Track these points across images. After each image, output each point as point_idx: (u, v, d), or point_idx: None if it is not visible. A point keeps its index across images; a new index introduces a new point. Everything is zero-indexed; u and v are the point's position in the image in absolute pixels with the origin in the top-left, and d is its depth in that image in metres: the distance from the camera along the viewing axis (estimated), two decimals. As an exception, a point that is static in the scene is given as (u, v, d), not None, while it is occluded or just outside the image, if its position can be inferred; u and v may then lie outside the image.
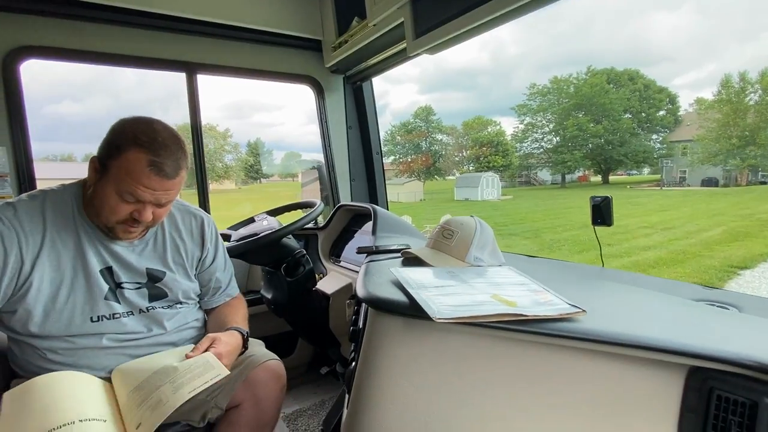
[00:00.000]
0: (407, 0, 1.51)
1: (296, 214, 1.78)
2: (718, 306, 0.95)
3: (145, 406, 0.82)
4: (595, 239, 1.44)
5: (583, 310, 0.69)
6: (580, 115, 32.70)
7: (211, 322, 1.17)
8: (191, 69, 1.95)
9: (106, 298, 0.98)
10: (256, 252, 1.43)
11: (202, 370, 0.87)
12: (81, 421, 0.76)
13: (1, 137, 1.58)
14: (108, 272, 0.99)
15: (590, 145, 32.26)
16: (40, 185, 1.69)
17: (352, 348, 0.94)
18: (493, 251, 1.04)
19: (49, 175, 1.80)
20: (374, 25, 1.68)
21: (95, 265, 0.97)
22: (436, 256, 0.97)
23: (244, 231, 1.53)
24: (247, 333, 1.09)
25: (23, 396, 0.82)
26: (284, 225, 1.47)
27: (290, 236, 1.52)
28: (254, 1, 1.95)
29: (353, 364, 0.87)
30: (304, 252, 1.54)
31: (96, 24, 1.69)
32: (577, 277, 1.19)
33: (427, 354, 0.72)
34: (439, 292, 0.76)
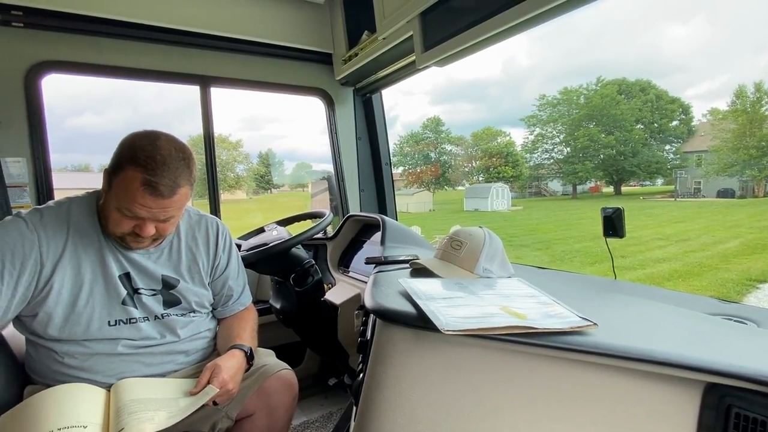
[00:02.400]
0: (416, 14, 1.53)
1: (306, 224, 1.79)
2: (735, 320, 0.93)
3: (135, 416, 0.83)
4: (608, 251, 1.42)
5: (595, 324, 0.68)
6: (591, 126, 32.49)
7: (219, 334, 1.18)
8: (205, 82, 2.00)
9: (123, 303, 0.99)
10: (265, 262, 1.44)
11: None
12: (59, 429, 0.77)
13: (21, 149, 1.63)
14: (126, 278, 1.01)
15: (602, 156, 31.97)
16: (58, 195, 1.74)
17: (360, 359, 0.94)
18: (502, 262, 1.04)
19: (66, 185, 1.85)
20: (384, 38, 1.71)
21: (114, 271, 0.99)
22: (444, 267, 0.97)
23: (254, 241, 1.55)
24: (250, 348, 1.08)
25: (16, 413, 0.84)
26: (294, 235, 1.48)
27: (299, 246, 1.53)
28: (267, 16, 1.99)
29: (361, 375, 0.86)
30: (313, 262, 1.54)
31: (114, 39, 1.75)
32: (588, 289, 1.17)
33: (436, 366, 0.72)
34: (448, 303, 0.75)
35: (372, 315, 0.94)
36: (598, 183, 35.42)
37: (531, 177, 37.40)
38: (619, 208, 1.29)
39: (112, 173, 0.92)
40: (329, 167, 2.45)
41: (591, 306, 0.89)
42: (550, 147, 35.39)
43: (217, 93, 2.06)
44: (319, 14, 2.12)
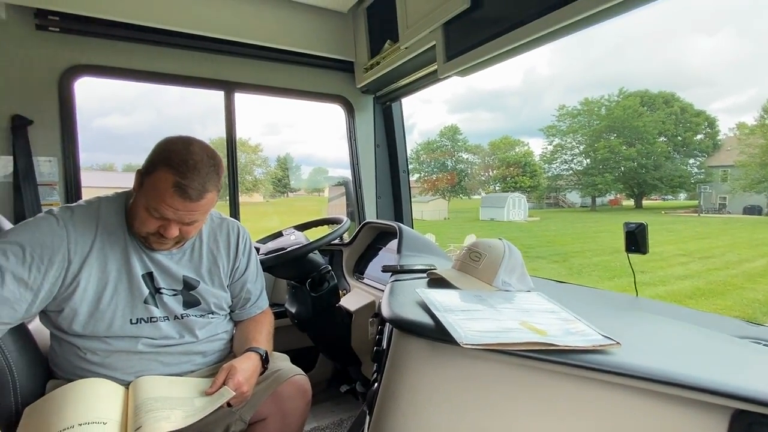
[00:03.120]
0: (440, 24, 1.54)
1: (323, 230, 1.81)
2: (764, 344, 0.89)
3: (152, 414, 0.84)
4: (628, 265, 1.39)
5: (618, 342, 0.66)
6: (612, 138, 31.94)
7: (236, 337, 1.19)
8: (229, 88, 2.05)
9: (145, 302, 1.02)
10: (283, 266, 1.45)
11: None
12: (80, 425, 0.79)
13: (53, 148, 1.69)
14: (149, 277, 1.03)
15: (622, 168, 31.36)
16: (84, 193, 1.80)
17: (375, 369, 0.94)
18: (521, 276, 1.02)
19: (91, 183, 1.91)
20: (406, 47, 1.72)
21: (138, 270, 1.02)
22: (462, 278, 0.96)
23: (272, 245, 1.57)
24: (266, 352, 1.09)
25: (39, 406, 0.86)
26: (311, 240, 1.50)
27: (316, 251, 1.54)
28: (291, 24, 2.03)
29: (375, 385, 0.86)
30: (329, 268, 1.55)
31: (143, 45, 1.81)
32: (609, 306, 1.15)
33: (453, 379, 0.71)
34: (466, 316, 0.75)
35: (388, 324, 0.94)
36: (618, 196, 34.71)
37: (549, 188, 36.90)
38: (642, 224, 1.26)
39: (144, 174, 0.95)
40: (345, 172, 2.47)
41: (612, 324, 0.87)
42: (569, 158, 34.91)
43: (238, 98, 2.11)
44: (342, 23, 2.15)
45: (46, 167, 1.70)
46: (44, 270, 0.91)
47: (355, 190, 2.40)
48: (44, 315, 0.99)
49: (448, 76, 1.61)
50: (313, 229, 1.82)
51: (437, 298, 0.82)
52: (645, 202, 32.92)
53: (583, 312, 0.81)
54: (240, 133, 2.12)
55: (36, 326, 1.06)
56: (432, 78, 1.88)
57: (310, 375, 2.01)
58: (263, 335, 1.16)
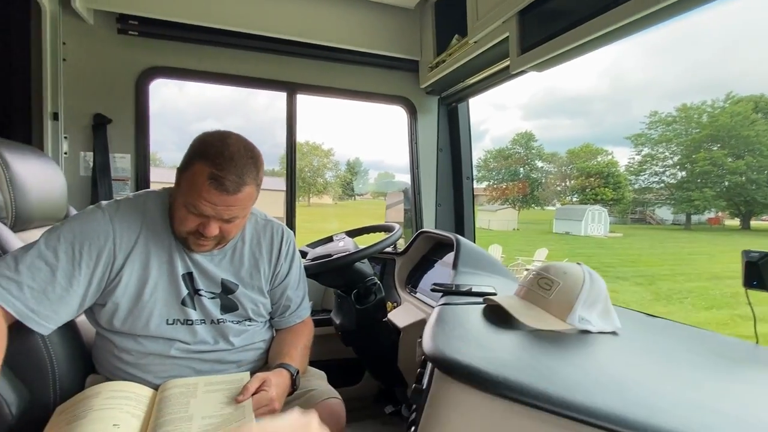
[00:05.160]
0: (513, 14, 1.37)
1: (377, 236, 1.70)
2: None
3: (171, 425, 0.79)
4: (729, 295, 1.08)
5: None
6: (715, 148, 28.25)
7: (272, 346, 1.13)
8: (292, 89, 2.03)
9: (183, 303, 0.98)
10: (327, 274, 1.37)
11: (234, 426, 0.81)
12: (114, 425, 0.75)
13: (127, 146, 1.79)
14: (189, 277, 1.00)
15: (726, 183, 27.56)
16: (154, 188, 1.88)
17: (413, 408, 0.79)
18: (604, 312, 0.82)
19: (161, 179, 2.00)
20: (475, 42, 1.56)
21: (179, 269, 0.99)
22: (527, 310, 0.78)
23: (319, 250, 1.49)
24: (297, 372, 1.01)
25: (76, 400, 0.84)
26: (360, 248, 1.39)
27: (365, 260, 1.43)
28: (355, 23, 1.97)
29: (412, 429, 0.72)
30: (376, 280, 1.43)
31: (210, 47, 1.86)
32: (717, 353, 0.88)
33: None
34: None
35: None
36: (720, 214, 30.55)
37: (634, 201, 33.60)
38: None
39: (181, 170, 0.92)
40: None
41: (725, 384, 0.65)
42: (661, 169, 31.48)
43: (312, 102, 2.10)
44: (408, 20, 2.04)
45: (122, 163, 1.80)
46: (93, 265, 0.90)
47: (413, 196, 2.26)
48: (89, 309, 0.99)
49: (522, 72, 1.42)
50: (366, 235, 1.72)
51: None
52: (754, 223, 28.55)
53: (684, 360, 0.61)
54: (313, 138, 2.11)
55: (82, 320, 1.08)
56: (504, 75, 1.69)
57: (355, 389, 1.94)
58: (298, 350, 1.07)
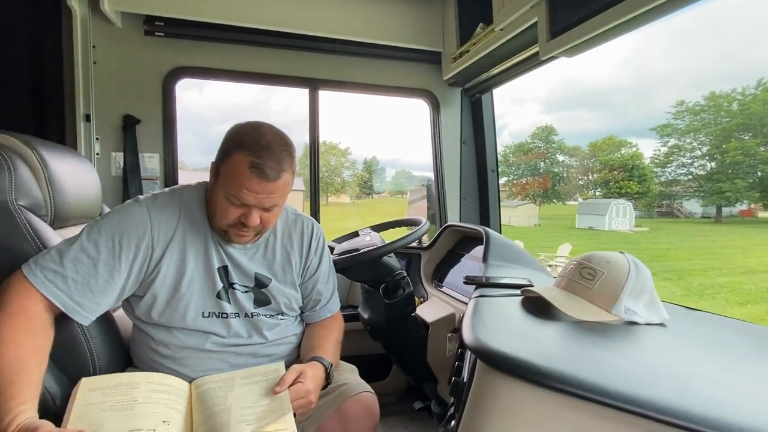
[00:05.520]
0: (542, -3, 1.32)
1: (401, 231, 1.68)
2: None
3: (213, 419, 0.79)
4: (765, 290, 1.03)
5: None
6: (746, 138, 27.04)
7: (303, 340, 1.13)
8: (314, 85, 2.03)
9: (218, 296, 0.99)
10: (355, 268, 1.35)
11: (274, 417, 0.81)
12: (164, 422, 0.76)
13: (155, 145, 1.82)
14: (224, 271, 1.01)
15: (759, 174, 26.35)
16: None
17: (453, 402, 0.77)
18: (651, 303, 0.78)
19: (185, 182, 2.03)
20: (501, 29, 1.52)
21: (215, 262, 0.99)
22: (570, 300, 0.75)
23: (346, 245, 1.48)
24: (331, 365, 1.01)
25: (96, 388, 0.82)
26: (386, 242, 1.38)
27: (392, 255, 1.41)
28: (376, 16, 1.95)
29: (453, 423, 0.70)
30: (405, 274, 1.42)
31: (233, 45, 1.87)
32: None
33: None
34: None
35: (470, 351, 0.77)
36: (753, 206, 29.25)
37: (661, 194, 32.50)
38: None
39: (219, 163, 0.93)
40: (428, 175, 2.32)
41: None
42: (689, 161, 30.33)
43: (328, 101, 2.09)
44: (429, 11, 2.01)
45: (151, 163, 1.84)
46: (131, 257, 0.92)
47: (437, 190, 2.23)
48: (126, 302, 1.01)
49: (553, 57, 1.37)
50: (390, 231, 1.70)
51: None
52: (791, 215, 27.26)
53: (738, 352, 0.61)
54: (330, 137, 2.11)
55: (120, 314, 1.10)
56: (530, 63, 1.64)
57: (383, 384, 1.92)
58: (330, 344, 1.07)
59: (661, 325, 0.78)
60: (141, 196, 0.98)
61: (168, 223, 0.96)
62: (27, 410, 0.69)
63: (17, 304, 0.78)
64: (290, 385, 0.88)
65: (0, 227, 0.84)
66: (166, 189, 1.03)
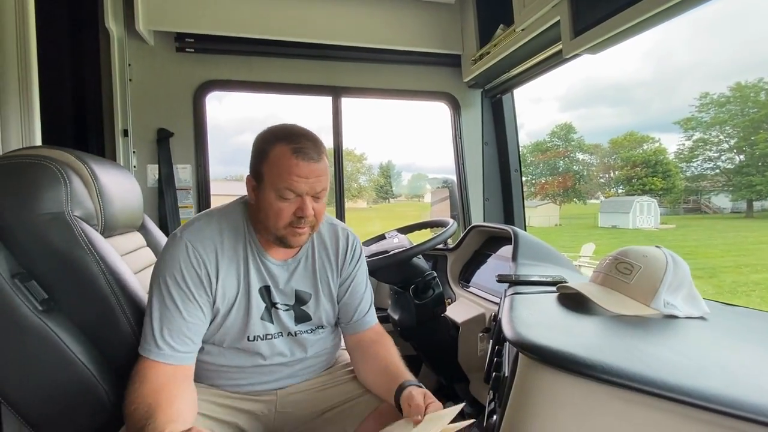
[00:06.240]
0: (564, -4, 1.33)
1: (426, 233, 1.70)
2: None
3: None
4: None
5: None
6: (777, 128, 25.95)
7: (366, 360, 1.09)
8: (336, 93, 2.08)
9: (262, 318, 0.99)
10: (385, 270, 1.38)
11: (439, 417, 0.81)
12: None
13: (188, 157, 1.89)
14: (266, 291, 1.00)
15: (793, 165, 25.24)
16: (213, 199, 1.98)
17: (492, 397, 0.79)
18: (690, 297, 0.78)
19: (219, 191, 2.10)
20: (523, 29, 1.53)
21: (255, 283, 0.99)
22: (608, 295, 0.76)
23: (374, 248, 1.51)
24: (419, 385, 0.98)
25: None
26: (415, 244, 1.40)
27: (420, 256, 1.43)
28: (396, 22, 1.99)
29: (495, 418, 0.71)
30: (435, 274, 1.43)
31: (258, 57, 1.95)
32: None
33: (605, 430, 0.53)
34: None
35: (508, 345, 0.79)
36: (787, 199, 27.94)
37: (687, 190, 31.44)
38: None
39: (259, 166, 0.93)
40: (445, 177, 2.34)
41: None
42: (716, 154, 29.28)
43: (344, 108, 2.13)
44: (449, 14, 2.04)
45: (184, 173, 1.91)
46: (201, 293, 0.93)
47: (460, 192, 2.25)
48: None
49: (576, 55, 1.38)
50: (416, 233, 1.73)
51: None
52: (829, 207, 25.96)
53: None
54: (346, 143, 2.14)
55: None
56: (552, 61, 1.65)
57: (413, 386, 1.93)
58: (402, 362, 1.04)
59: (702, 318, 0.77)
60: (178, 232, 0.96)
61: (211, 253, 0.95)
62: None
63: (154, 383, 0.83)
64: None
65: (59, 237, 0.89)
66: (201, 214, 1.02)
